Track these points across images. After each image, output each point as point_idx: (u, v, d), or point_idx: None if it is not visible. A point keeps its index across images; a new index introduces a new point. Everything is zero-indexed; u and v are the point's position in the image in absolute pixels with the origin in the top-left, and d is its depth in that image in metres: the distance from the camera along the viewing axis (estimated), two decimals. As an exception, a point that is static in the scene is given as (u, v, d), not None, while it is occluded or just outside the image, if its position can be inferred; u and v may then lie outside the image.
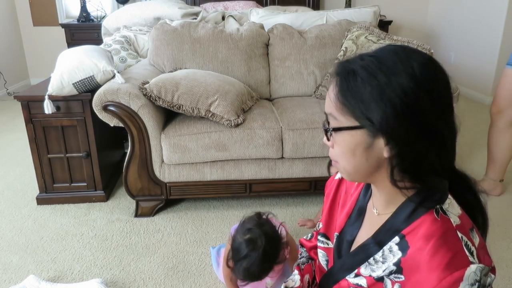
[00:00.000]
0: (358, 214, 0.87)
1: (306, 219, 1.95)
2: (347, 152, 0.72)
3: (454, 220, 0.71)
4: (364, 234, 0.84)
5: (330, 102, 0.73)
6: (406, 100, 0.66)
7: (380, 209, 0.80)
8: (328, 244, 0.96)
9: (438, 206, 0.72)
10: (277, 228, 1.43)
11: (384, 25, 4.44)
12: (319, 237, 0.99)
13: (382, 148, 0.69)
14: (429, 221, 0.70)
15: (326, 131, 0.75)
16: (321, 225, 0.99)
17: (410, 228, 0.73)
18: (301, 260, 1.10)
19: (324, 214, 0.98)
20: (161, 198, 2.14)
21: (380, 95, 0.67)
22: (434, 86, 0.68)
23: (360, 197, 0.88)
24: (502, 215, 2.15)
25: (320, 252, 0.99)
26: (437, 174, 0.72)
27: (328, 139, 0.75)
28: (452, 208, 0.73)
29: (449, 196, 0.75)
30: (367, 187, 0.87)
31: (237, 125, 2.03)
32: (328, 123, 0.75)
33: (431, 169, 0.70)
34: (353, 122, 0.70)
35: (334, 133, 0.73)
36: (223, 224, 2.10)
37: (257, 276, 1.36)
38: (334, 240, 0.93)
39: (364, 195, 0.87)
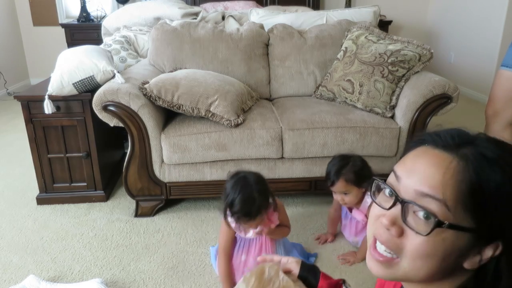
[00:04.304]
0: None
1: (324, 234, 1.97)
2: (438, 255, 0.56)
3: None
4: None
5: (446, 187, 0.55)
6: None
7: None
8: None
9: None
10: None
11: (384, 25, 4.44)
12: None
13: (469, 258, 0.57)
14: None
15: (438, 224, 0.54)
16: None
17: None
18: None
19: None
20: (161, 198, 2.14)
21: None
22: None
23: None
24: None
25: None
26: None
27: (429, 233, 0.55)
28: None
29: None
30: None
31: (237, 125, 2.03)
32: (415, 204, 0.57)
33: None
34: (467, 221, 0.55)
35: (438, 229, 0.55)
36: (223, 224, 2.10)
37: (254, 210, 1.41)
38: None
39: None
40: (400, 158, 0.65)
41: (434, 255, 0.56)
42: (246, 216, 1.42)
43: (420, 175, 0.57)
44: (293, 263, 1.02)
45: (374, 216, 0.63)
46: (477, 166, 0.55)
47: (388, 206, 0.60)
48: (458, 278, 0.60)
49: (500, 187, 0.54)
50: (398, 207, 0.59)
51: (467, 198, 0.54)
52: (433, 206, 0.55)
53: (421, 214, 0.56)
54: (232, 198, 1.40)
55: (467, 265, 0.58)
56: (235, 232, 1.61)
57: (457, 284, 0.60)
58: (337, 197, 1.76)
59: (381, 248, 0.61)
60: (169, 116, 2.17)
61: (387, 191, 0.62)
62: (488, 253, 0.57)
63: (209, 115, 2.02)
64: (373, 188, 0.65)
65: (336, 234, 1.98)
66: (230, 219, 1.52)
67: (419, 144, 0.61)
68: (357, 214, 1.79)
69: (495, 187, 0.54)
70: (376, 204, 0.63)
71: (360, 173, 1.68)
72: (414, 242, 0.57)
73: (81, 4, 4.22)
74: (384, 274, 0.62)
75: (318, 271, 1.01)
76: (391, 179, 0.62)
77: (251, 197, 1.41)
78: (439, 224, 0.55)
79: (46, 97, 2.02)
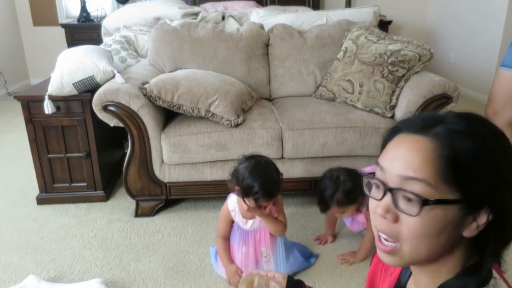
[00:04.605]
0: None
1: (323, 235, 1.95)
2: (433, 231, 0.59)
3: None
4: None
5: (424, 166, 0.59)
6: (508, 169, 0.59)
7: None
8: None
9: None
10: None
11: (384, 25, 4.43)
12: None
13: (466, 227, 0.60)
14: None
15: (424, 203, 0.58)
16: None
17: None
18: None
19: None
20: (161, 198, 2.14)
21: (491, 163, 0.58)
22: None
23: (400, 276, 0.79)
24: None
25: None
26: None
27: (417, 213, 0.58)
28: None
29: (495, 274, 0.64)
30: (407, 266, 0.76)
31: (237, 125, 2.03)
32: (401, 190, 0.60)
33: None
34: (453, 194, 0.58)
35: (428, 207, 0.58)
36: (223, 224, 2.10)
37: (273, 188, 1.49)
38: None
39: (404, 274, 0.78)
40: (381, 151, 0.68)
41: (429, 232, 0.59)
42: (267, 196, 1.48)
43: (401, 161, 0.61)
44: (279, 278, 1.03)
45: (372, 210, 0.66)
46: (449, 141, 0.59)
47: (379, 197, 0.63)
48: (461, 251, 0.63)
49: (476, 157, 0.58)
50: (389, 195, 0.62)
51: (447, 173, 0.58)
52: (417, 187, 0.58)
53: (408, 197, 0.59)
54: (253, 180, 1.45)
55: (466, 233, 0.60)
56: (232, 221, 1.66)
57: (462, 258, 0.63)
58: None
59: (383, 236, 0.64)
60: (169, 116, 2.17)
61: (375, 183, 0.65)
62: (482, 218, 0.59)
63: (209, 115, 2.02)
64: (365, 185, 0.67)
65: (336, 234, 1.98)
66: (242, 200, 1.54)
67: (395, 133, 0.65)
68: (358, 216, 1.80)
69: (472, 157, 0.58)
70: (371, 197, 0.66)
71: (351, 194, 1.66)
72: (408, 224, 0.60)
73: (81, 4, 4.22)
74: (394, 262, 0.65)
75: (305, 286, 1.03)
76: (378, 172, 0.66)
77: (273, 178, 1.50)
78: (425, 202, 0.58)
79: (46, 97, 2.02)
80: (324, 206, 1.70)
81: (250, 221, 1.63)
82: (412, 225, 0.60)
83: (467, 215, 0.59)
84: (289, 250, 1.73)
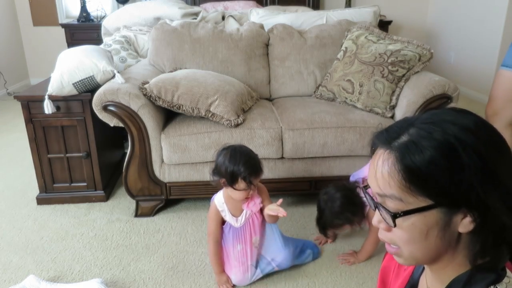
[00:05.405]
0: None
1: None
2: (418, 237, 0.61)
3: None
4: None
5: (390, 182, 0.60)
6: (484, 164, 0.57)
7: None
8: None
9: (492, 287, 0.62)
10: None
11: (384, 25, 4.44)
12: None
13: (458, 224, 0.60)
14: None
15: (394, 216, 0.61)
16: None
17: None
18: None
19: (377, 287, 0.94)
20: (161, 198, 2.14)
21: (455, 164, 0.57)
22: (500, 144, 0.61)
23: (414, 272, 0.80)
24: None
25: None
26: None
27: (394, 225, 0.62)
28: None
29: (510, 274, 0.64)
30: None
31: (237, 125, 2.03)
32: (380, 205, 0.63)
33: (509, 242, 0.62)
34: (425, 201, 0.59)
35: (401, 218, 0.61)
36: (223, 224, 2.09)
37: (257, 164, 1.55)
38: None
39: (417, 269, 0.79)
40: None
41: (415, 238, 0.62)
42: (255, 173, 1.53)
43: (374, 179, 0.63)
44: None
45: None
46: (399, 155, 0.60)
47: (374, 209, 0.67)
48: (465, 246, 0.63)
49: (430, 164, 0.58)
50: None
51: (407, 184, 0.59)
52: (389, 202, 0.62)
53: (384, 211, 0.63)
54: (236, 164, 1.50)
55: (461, 229, 0.60)
56: (223, 220, 1.65)
57: (468, 254, 0.63)
58: None
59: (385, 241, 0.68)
60: (169, 116, 2.17)
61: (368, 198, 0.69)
62: (457, 217, 0.60)
63: (209, 115, 2.02)
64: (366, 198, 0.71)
65: (336, 235, 1.98)
66: (231, 186, 1.54)
67: (375, 148, 0.66)
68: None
69: (426, 165, 0.58)
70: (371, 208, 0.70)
71: (339, 219, 1.71)
72: (396, 233, 0.64)
73: (81, 4, 4.23)
74: (401, 261, 0.68)
75: None
76: None
77: (253, 156, 1.57)
78: (395, 216, 0.61)
79: (46, 97, 2.02)
80: (323, 231, 1.80)
81: (240, 218, 1.63)
82: (398, 234, 0.63)
83: (454, 214, 0.60)
84: (283, 237, 1.74)
